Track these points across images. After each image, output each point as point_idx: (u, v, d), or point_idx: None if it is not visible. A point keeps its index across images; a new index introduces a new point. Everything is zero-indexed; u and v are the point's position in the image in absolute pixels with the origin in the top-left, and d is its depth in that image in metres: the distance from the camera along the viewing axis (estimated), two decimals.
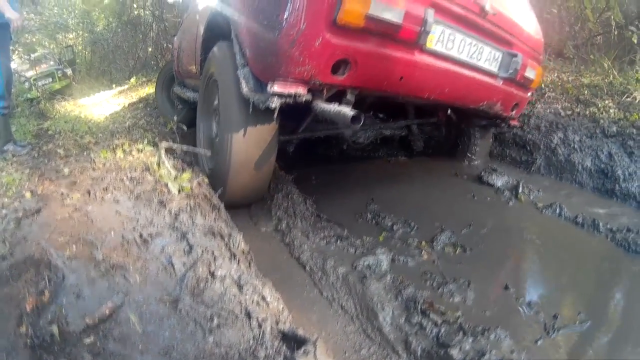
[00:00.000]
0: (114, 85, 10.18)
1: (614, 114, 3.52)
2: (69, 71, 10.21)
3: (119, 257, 1.56)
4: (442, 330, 1.51)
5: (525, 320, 1.64)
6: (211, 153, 2.62)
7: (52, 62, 10.95)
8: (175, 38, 4.52)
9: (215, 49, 2.51)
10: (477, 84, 2.35)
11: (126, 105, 7.07)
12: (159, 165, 2.38)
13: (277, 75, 1.79)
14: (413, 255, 2.03)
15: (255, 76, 1.98)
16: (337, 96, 2.03)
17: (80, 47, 11.48)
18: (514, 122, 2.99)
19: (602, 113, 3.56)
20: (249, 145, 2.13)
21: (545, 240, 2.27)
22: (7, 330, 1.29)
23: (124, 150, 2.75)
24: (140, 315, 1.28)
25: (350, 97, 2.06)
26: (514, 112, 2.77)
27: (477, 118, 3.09)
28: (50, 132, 4.38)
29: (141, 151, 2.78)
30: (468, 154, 3.41)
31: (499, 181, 2.91)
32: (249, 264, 1.70)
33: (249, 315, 1.31)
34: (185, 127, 3.34)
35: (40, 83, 9.75)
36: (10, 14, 3.03)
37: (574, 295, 1.87)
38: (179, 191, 2.07)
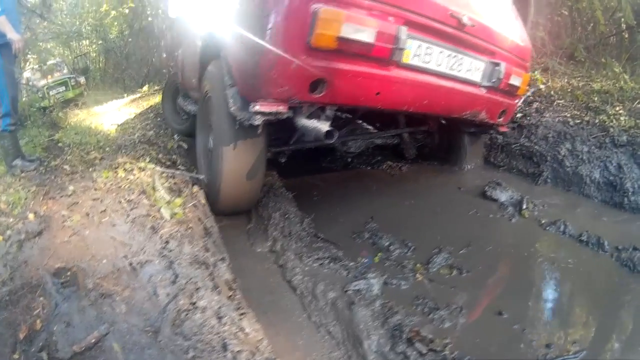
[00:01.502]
0: (125, 95, 10.27)
1: (625, 122, 3.40)
2: (82, 79, 10.36)
3: (109, 285, 1.60)
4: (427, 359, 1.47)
5: (516, 349, 1.58)
6: (208, 166, 2.71)
7: (65, 71, 11.15)
8: (180, 50, 4.57)
9: (210, 67, 2.60)
10: (459, 94, 2.42)
11: (137, 114, 7.15)
12: (154, 189, 2.42)
13: (259, 95, 1.93)
14: (407, 278, 1.98)
15: (241, 96, 2.10)
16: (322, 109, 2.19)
17: (93, 55, 11.62)
18: (503, 129, 3.06)
19: (612, 121, 3.44)
20: (239, 157, 2.30)
21: (546, 261, 2.20)
22: (4, 356, 1.36)
23: (125, 170, 2.80)
24: (124, 345, 1.33)
25: (329, 112, 2.22)
26: (501, 119, 2.83)
27: (466, 125, 3.14)
28: (60, 145, 4.40)
29: (143, 170, 2.84)
30: (460, 160, 3.49)
31: (502, 196, 2.83)
32: (232, 294, 1.72)
33: (224, 347, 1.32)
34: (185, 146, 3.37)
35: (53, 92, 9.92)
36: (12, 35, 3.05)
37: (571, 322, 1.80)
38: (171, 217, 2.11)
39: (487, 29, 2.38)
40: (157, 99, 8.10)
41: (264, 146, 2.38)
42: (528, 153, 3.36)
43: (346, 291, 1.83)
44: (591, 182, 2.97)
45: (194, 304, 1.50)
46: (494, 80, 2.50)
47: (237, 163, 2.31)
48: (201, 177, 2.78)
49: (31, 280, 1.64)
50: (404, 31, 1.97)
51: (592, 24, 5.92)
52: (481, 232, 2.47)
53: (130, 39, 11.13)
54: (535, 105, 4.00)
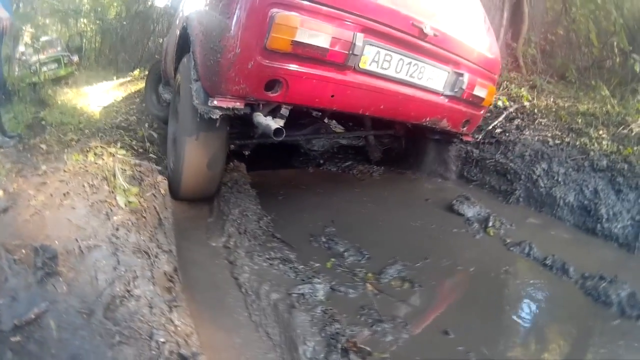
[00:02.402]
0: (115, 77, 10.18)
1: (607, 146, 3.37)
2: (75, 58, 10.25)
3: (56, 266, 1.65)
4: None
5: None
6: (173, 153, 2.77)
7: (59, 48, 10.99)
8: (165, 39, 4.60)
9: (184, 59, 2.65)
10: (418, 102, 2.49)
11: (124, 97, 7.10)
12: (114, 176, 2.41)
13: (219, 91, 2.06)
14: (356, 287, 1.91)
15: (204, 90, 2.18)
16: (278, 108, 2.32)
17: (90, 35, 11.50)
18: (467, 138, 3.12)
19: (593, 144, 3.41)
20: (200, 147, 2.38)
21: (505, 283, 2.14)
22: None
23: (95, 154, 2.79)
24: (59, 323, 1.37)
25: (284, 111, 2.33)
26: (465, 128, 2.92)
27: (430, 132, 3.21)
28: (43, 123, 4.41)
29: (113, 155, 2.82)
30: (424, 167, 3.59)
31: (469, 211, 2.77)
32: (170, 286, 1.70)
33: (150, 336, 1.36)
34: (156, 135, 3.34)
35: (45, 68, 9.79)
36: (1, 13, 3.08)
37: (522, 349, 1.74)
38: (126, 205, 2.13)
39: (452, 40, 2.45)
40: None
41: (224, 139, 2.45)
42: (502, 170, 3.31)
43: (290, 294, 1.77)
44: (565, 204, 2.92)
45: (130, 292, 1.53)
46: (456, 90, 2.57)
47: (198, 152, 2.39)
48: (159, 168, 2.80)
49: None
50: (360, 38, 2.06)
51: (587, 47, 5.92)
52: (441, 246, 2.42)
53: (126, 22, 11.02)
54: (516, 122, 3.97)
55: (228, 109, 2.08)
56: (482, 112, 2.98)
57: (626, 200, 2.79)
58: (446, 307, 1.96)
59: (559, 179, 3.04)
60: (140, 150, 3.36)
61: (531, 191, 3.09)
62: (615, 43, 5.34)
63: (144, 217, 2.14)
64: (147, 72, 8.34)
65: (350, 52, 2.06)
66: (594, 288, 2.07)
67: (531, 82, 5.47)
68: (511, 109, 4.21)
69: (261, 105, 2.21)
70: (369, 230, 2.56)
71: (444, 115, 2.68)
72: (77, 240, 1.79)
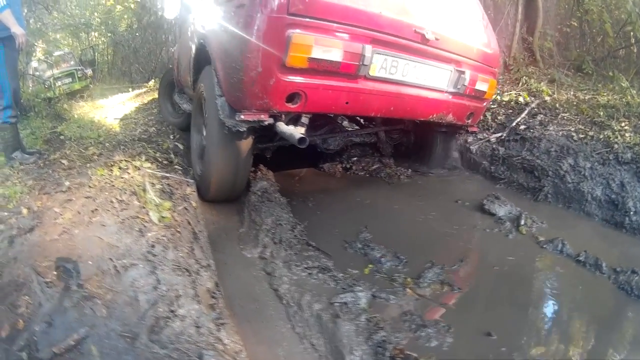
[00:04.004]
0: (129, 89, 10.25)
1: (630, 139, 3.35)
2: (89, 71, 10.38)
3: (92, 287, 1.62)
4: None
5: None
6: (201, 159, 2.93)
7: (72, 62, 11.14)
8: (175, 48, 4.67)
9: (204, 71, 2.83)
10: (425, 100, 2.72)
11: (140, 108, 7.17)
12: (144, 190, 2.43)
13: (243, 106, 2.27)
14: (396, 293, 1.93)
15: (229, 105, 2.39)
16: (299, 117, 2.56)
17: (102, 47, 11.62)
18: (472, 129, 3.34)
19: (617, 137, 3.39)
20: (228, 155, 2.58)
21: (540, 281, 2.16)
22: None
23: (120, 168, 2.82)
24: (101, 349, 1.33)
25: (304, 119, 2.56)
26: (470, 120, 3.12)
27: (437, 125, 3.34)
28: (62, 138, 4.39)
29: (138, 169, 2.87)
30: (432, 158, 3.81)
31: (500, 210, 2.78)
32: (214, 303, 1.70)
33: (200, 357, 1.33)
34: (182, 146, 3.38)
35: (59, 83, 9.92)
36: (16, 28, 3.07)
37: (562, 346, 1.74)
38: (159, 220, 2.14)
39: (452, 41, 2.65)
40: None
41: (250, 145, 2.64)
42: (529, 167, 3.32)
43: (332, 303, 1.79)
44: (592, 199, 2.92)
45: (174, 312, 1.50)
46: (459, 87, 2.78)
47: (227, 160, 2.59)
48: (191, 181, 2.87)
49: (18, 278, 1.63)
50: (369, 49, 2.26)
51: (601, 37, 5.86)
52: (476, 247, 2.44)
53: (138, 33, 11.11)
54: (539, 117, 3.96)
55: (254, 121, 2.28)
56: (484, 104, 3.18)
57: None
58: (486, 308, 1.97)
59: (586, 174, 3.05)
60: (165, 162, 3.38)
61: (559, 187, 3.09)
62: (631, 32, 5.28)
63: (179, 232, 2.16)
64: (160, 81, 8.43)
65: (361, 62, 2.27)
66: (627, 282, 2.09)
67: (549, 76, 5.46)
68: (533, 105, 4.20)
69: (283, 115, 2.40)
70: (402, 234, 2.58)
71: (449, 110, 2.88)
72: (111, 259, 1.79)
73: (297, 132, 2.31)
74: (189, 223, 2.29)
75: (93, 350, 1.33)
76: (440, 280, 2.06)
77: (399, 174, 3.63)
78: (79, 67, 10.73)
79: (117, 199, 2.34)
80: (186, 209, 2.45)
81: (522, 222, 2.65)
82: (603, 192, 2.92)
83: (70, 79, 10.38)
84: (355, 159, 3.86)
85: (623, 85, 4.53)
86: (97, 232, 1.97)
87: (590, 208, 2.91)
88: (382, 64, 2.38)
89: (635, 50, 5.43)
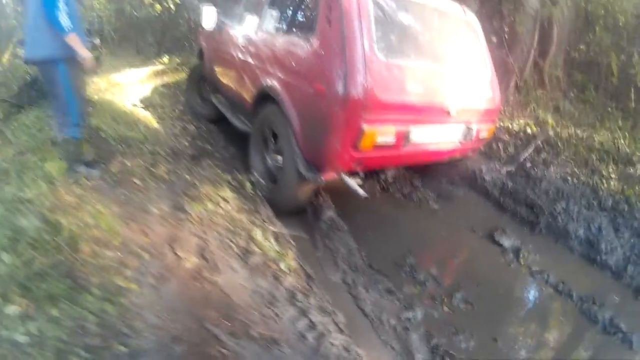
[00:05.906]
0: (139, 61, 9.93)
1: (614, 186, 4.20)
2: (97, 41, 10.03)
3: (267, 331, 1.96)
4: None
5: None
6: (268, 176, 3.72)
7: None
8: (205, 46, 5.40)
9: (270, 108, 3.51)
10: (443, 151, 3.67)
11: (164, 93, 7.12)
12: (253, 236, 2.87)
13: (323, 169, 3.08)
14: (437, 309, 2.94)
15: (307, 161, 3.14)
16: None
17: (107, 14, 11.16)
18: (471, 158, 4.40)
19: (603, 183, 4.24)
20: (299, 190, 3.37)
21: (529, 303, 3.25)
22: None
23: (211, 200, 3.16)
24: None
25: (361, 174, 3.30)
26: (470, 154, 4.17)
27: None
28: (103, 136, 4.12)
29: (227, 201, 3.23)
30: (436, 185, 4.63)
31: (507, 242, 3.74)
32: (349, 332, 2.43)
33: None
34: (263, 182, 3.73)
35: None
36: (84, 53, 3.09)
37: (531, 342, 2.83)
38: (289, 269, 2.67)
39: (466, 110, 3.50)
40: (182, 75, 7.99)
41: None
42: (531, 204, 4.17)
43: (400, 318, 2.78)
44: (575, 237, 3.81)
45: (332, 343, 2.10)
46: (467, 138, 3.66)
47: (298, 187, 3.34)
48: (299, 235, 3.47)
49: (196, 332, 1.89)
50: (412, 129, 3.14)
51: (607, 69, 6.47)
52: (487, 273, 3.40)
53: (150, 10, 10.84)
54: (543, 155, 4.82)
55: (330, 178, 3.12)
56: (483, 142, 4.20)
57: (622, 238, 3.74)
58: (493, 321, 2.97)
59: (573, 217, 3.94)
60: (242, 189, 3.62)
61: (552, 225, 3.98)
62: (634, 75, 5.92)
63: (300, 276, 2.69)
64: (181, 62, 8.76)
65: (405, 139, 3.15)
66: (588, 310, 3.09)
67: (554, 103, 6.21)
68: (538, 141, 5.05)
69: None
70: (437, 260, 3.54)
71: (459, 153, 3.87)
72: (265, 305, 2.15)
73: (358, 187, 3.15)
74: (304, 269, 2.83)
75: None
76: (465, 299, 3.04)
77: (427, 198, 4.33)
78: (89, 39, 10.39)
79: (233, 242, 2.72)
80: (298, 258, 2.92)
81: (521, 255, 3.61)
82: (584, 232, 3.81)
83: None
84: (390, 180, 4.48)
85: (617, 127, 5.33)
86: (234, 278, 2.31)
87: (573, 244, 3.76)
88: (417, 134, 3.21)
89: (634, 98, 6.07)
